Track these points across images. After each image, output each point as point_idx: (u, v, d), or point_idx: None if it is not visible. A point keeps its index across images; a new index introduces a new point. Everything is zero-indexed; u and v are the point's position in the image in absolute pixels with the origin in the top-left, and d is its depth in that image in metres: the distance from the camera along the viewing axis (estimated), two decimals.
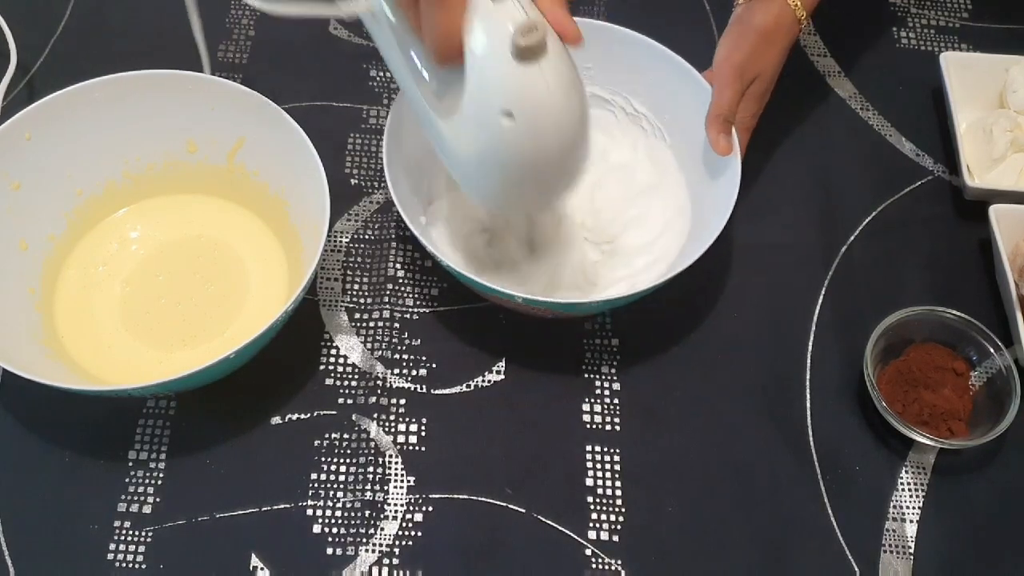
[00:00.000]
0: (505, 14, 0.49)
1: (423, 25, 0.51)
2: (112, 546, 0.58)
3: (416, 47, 0.55)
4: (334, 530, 0.59)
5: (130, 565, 0.57)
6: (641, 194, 0.70)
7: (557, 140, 0.52)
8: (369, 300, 0.67)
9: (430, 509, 0.60)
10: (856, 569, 0.59)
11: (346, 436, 0.62)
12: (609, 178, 0.70)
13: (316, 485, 0.60)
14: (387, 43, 0.57)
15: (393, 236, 0.70)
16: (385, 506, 0.60)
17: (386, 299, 0.67)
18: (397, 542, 0.59)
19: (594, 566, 0.59)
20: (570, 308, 0.62)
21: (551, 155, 0.53)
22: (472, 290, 0.64)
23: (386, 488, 0.60)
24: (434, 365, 0.65)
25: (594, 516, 0.60)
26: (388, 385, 0.64)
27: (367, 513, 0.60)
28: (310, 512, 0.59)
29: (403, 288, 0.68)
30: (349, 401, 0.63)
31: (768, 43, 0.67)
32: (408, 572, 0.58)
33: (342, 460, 0.61)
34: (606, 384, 0.65)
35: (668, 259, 0.66)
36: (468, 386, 0.64)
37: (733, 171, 0.64)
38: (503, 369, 0.65)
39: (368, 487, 0.60)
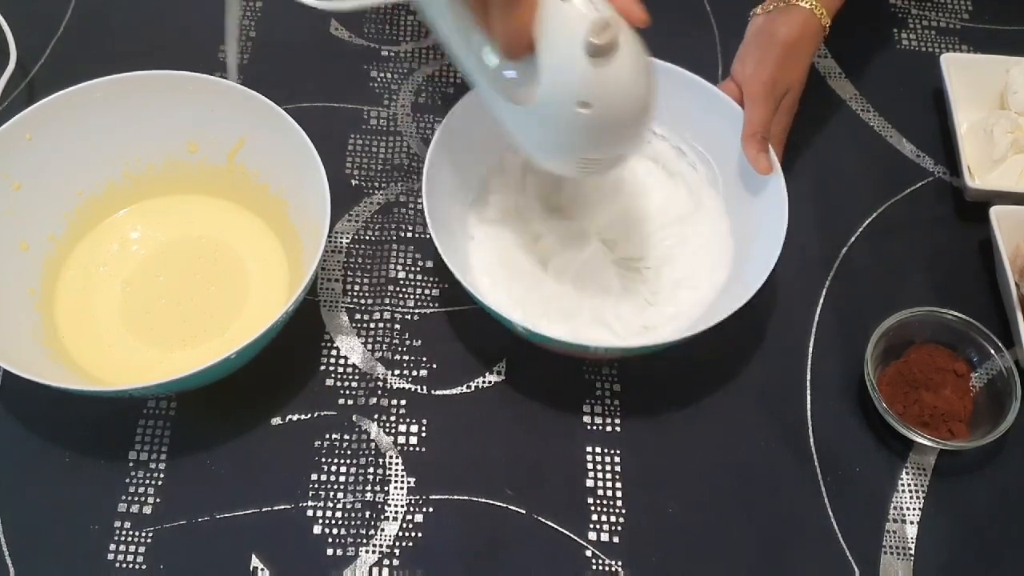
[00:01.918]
0: (576, 11, 0.50)
1: (494, 24, 0.52)
2: (112, 546, 0.58)
3: (480, 34, 0.56)
4: (334, 531, 0.59)
5: (130, 565, 0.57)
6: (678, 220, 0.68)
7: (631, 116, 0.54)
8: (370, 301, 0.67)
9: (430, 510, 0.60)
10: (856, 570, 0.59)
11: (346, 437, 0.62)
12: (645, 207, 0.69)
13: (316, 486, 0.60)
14: (446, 29, 0.58)
15: (394, 237, 0.70)
16: (385, 507, 0.60)
17: (387, 300, 0.67)
18: (397, 543, 0.59)
19: (594, 567, 0.59)
20: (579, 348, 0.62)
21: (628, 128, 0.55)
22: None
23: (386, 489, 0.60)
24: (434, 366, 0.65)
25: (594, 517, 0.60)
26: (388, 386, 0.64)
27: (367, 514, 0.60)
28: (310, 513, 0.59)
29: (404, 289, 0.68)
30: (349, 402, 0.63)
31: (795, 55, 0.67)
32: (408, 573, 0.58)
33: (342, 461, 0.61)
34: (606, 385, 0.65)
35: (709, 292, 0.65)
36: (469, 387, 0.64)
37: (777, 190, 0.63)
38: (503, 370, 0.65)
39: (368, 488, 0.60)
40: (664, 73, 0.68)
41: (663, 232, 0.68)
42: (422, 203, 0.62)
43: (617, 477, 0.62)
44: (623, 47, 0.50)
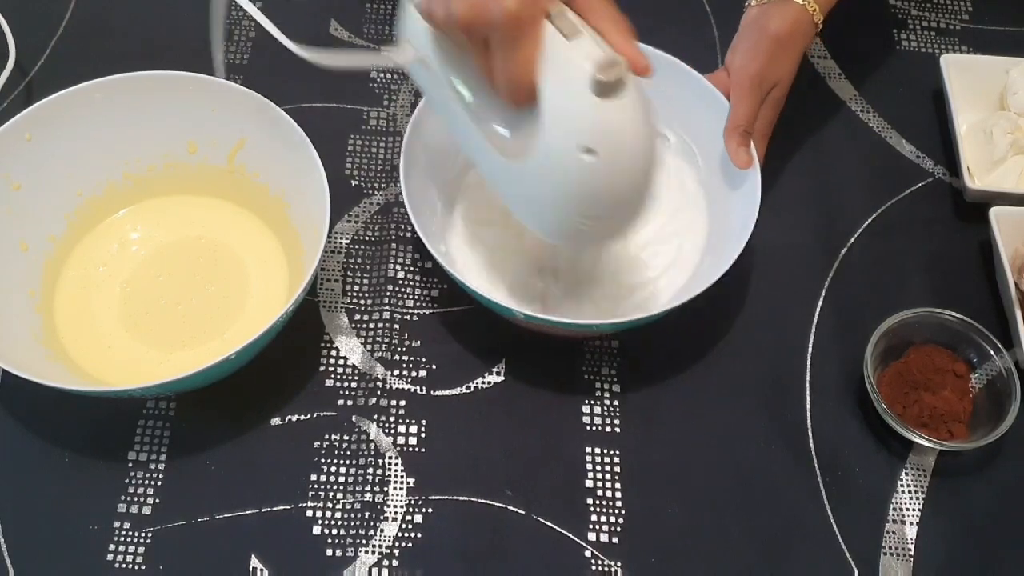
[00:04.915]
0: (582, 51, 0.48)
1: (496, 67, 0.50)
2: (112, 547, 0.58)
3: (476, 91, 0.55)
4: (334, 531, 0.59)
5: (130, 566, 0.57)
6: (658, 206, 0.68)
7: (634, 171, 0.52)
8: (369, 301, 0.67)
9: (430, 510, 0.60)
10: (856, 571, 0.59)
11: (346, 437, 0.62)
12: None
13: (316, 486, 0.60)
14: (439, 91, 0.56)
15: (393, 237, 0.70)
16: (385, 507, 0.60)
17: (386, 300, 0.67)
18: (397, 543, 0.59)
19: (594, 567, 0.59)
20: (577, 327, 0.62)
21: (629, 186, 0.52)
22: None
23: (386, 489, 0.60)
24: (434, 366, 0.65)
25: (594, 518, 0.60)
26: (388, 386, 0.64)
27: (367, 514, 0.60)
28: (310, 513, 0.59)
29: (403, 289, 0.68)
30: (349, 402, 0.63)
31: (785, 49, 0.66)
32: (407, 573, 0.58)
33: (342, 461, 0.61)
34: (606, 386, 0.65)
35: (684, 274, 0.66)
36: (468, 387, 0.64)
37: (753, 184, 0.63)
38: (503, 370, 0.65)
39: (368, 488, 0.60)
40: (652, 60, 0.68)
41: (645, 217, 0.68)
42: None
43: (616, 477, 0.62)
44: (630, 89, 0.49)
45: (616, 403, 0.64)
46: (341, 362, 0.65)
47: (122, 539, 0.58)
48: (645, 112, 0.51)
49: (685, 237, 0.68)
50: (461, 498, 0.60)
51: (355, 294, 0.68)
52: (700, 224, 0.68)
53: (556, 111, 0.50)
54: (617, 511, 0.60)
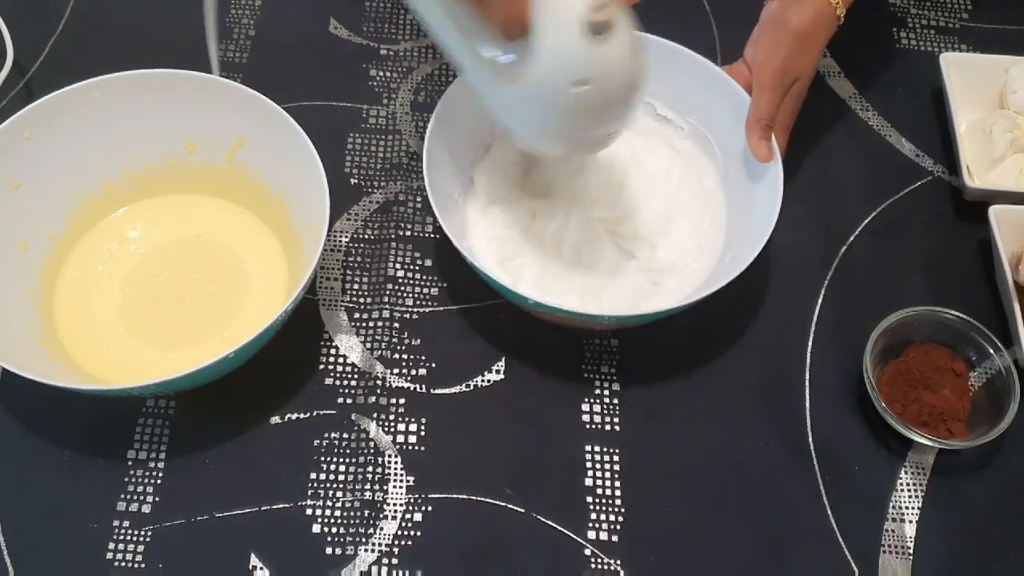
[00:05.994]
0: None
1: (491, 2, 0.52)
2: (111, 545, 0.58)
3: (468, 16, 0.56)
4: (333, 530, 0.59)
5: (129, 564, 0.57)
6: (676, 199, 0.69)
7: (624, 93, 0.55)
8: (369, 300, 0.67)
9: (429, 509, 0.60)
10: (855, 569, 0.59)
11: (345, 436, 0.62)
12: (648, 184, 0.70)
13: (315, 485, 0.60)
14: (431, 10, 0.58)
15: (393, 236, 0.70)
16: (384, 506, 0.60)
17: (386, 299, 0.67)
18: (396, 542, 0.59)
19: (593, 566, 0.59)
20: (590, 318, 0.62)
21: (619, 106, 0.56)
22: (474, 290, 0.64)
23: (385, 488, 0.60)
24: (434, 365, 0.65)
25: (593, 516, 0.60)
26: (387, 385, 0.64)
27: (366, 513, 0.60)
28: (309, 512, 0.59)
29: (403, 288, 0.68)
30: (348, 401, 0.63)
31: (807, 44, 0.67)
32: (407, 572, 0.58)
33: (341, 460, 0.61)
34: (606, 384, 0.65)
35: (705, 268, 0.66)
36: (468, 386, 0.64)
37: (774, 177, 0.64)
38: (503, 369, 0.65)
39: (367, 487, 0.60)
40: (670, 53, 0.69)
41: (658, 208, 0.69)
42: (421, 201, 0.62)
43: (616, 476, 0.62)
44: (620, 24, 0.51)
45: (616, 401, 0.64)
46: (341, 360, 0.65)
47: (122, 538, 0.58)
48: (634, 42, 0.53)
49: (704, 230, 0.68)
50: (461, 496, 0.60)
51: (355, 292, 0.68)
52: (719, 216, 0.68)
53: (549, 48, 0.52)
54: (617, 509, 0.60)
